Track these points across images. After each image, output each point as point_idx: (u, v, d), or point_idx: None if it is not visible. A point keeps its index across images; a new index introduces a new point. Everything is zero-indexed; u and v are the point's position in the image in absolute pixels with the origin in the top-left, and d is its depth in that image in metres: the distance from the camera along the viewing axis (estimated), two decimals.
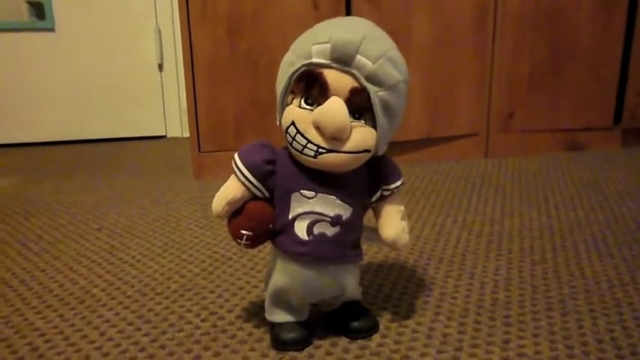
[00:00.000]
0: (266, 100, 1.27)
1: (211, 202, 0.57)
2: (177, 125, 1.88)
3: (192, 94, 1.25)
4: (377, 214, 0.59)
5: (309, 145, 0.52)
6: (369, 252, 0.82)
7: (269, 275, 0.60)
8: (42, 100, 1.76)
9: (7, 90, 1.73)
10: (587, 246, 0.85)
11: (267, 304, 0.60)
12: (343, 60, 0.51)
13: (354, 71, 0.51)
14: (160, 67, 1.82)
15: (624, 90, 1.50)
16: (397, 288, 0.72)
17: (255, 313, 0.66)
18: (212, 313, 0.66)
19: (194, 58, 1.23)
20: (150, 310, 0.68)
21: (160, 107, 1.85)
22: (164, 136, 1.88)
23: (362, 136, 0.52)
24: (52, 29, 1.72)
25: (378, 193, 0.58)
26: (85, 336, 0.62)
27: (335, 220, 0.55)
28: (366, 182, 0.57)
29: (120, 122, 1.83)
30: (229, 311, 0.67)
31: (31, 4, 1.73)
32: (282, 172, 0.55)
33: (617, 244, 0.86)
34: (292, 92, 0.54)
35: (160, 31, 1.79)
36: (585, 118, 1.49)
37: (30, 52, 1.72)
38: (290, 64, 0.54)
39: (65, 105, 1.77)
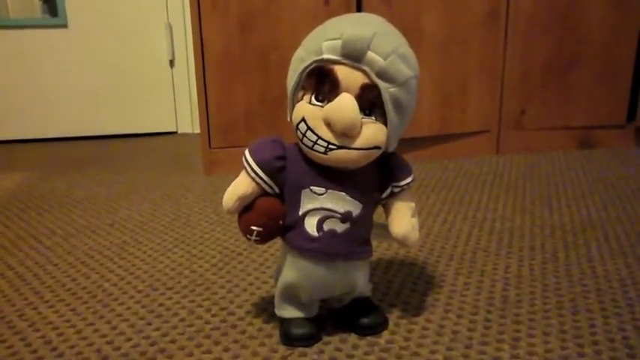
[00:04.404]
0: (277, 96, 1.28)
1: (222, 198, 0.57)
2: (188, 121, 1.88)
3: (202, 90, 1.25)
4: (387, 211, 0.59)
5: (320, 142, 0.52)
6: (379, 248, 0.82)
7: (279, 271, 0.60)
8: (54, 96, 1.77)
9: (20, 86, 1.75)
10: (599, 244, 0.85)
11: (276, 300, 0.61)
12: (354, 56, 0.51)
13: (365, 67, 0.51)
14: (171, 63, 1.83)
15: (638, 87, 1.48)
16: (407, 285, 0.72)
17: (264, 308, 0.66)
18: (222, 309, 0.67)
19: (205, 54, 1.23)
20: (161, 304, 0.68)
21: (171, 103, 1.86)
22: (175, 132, 1.89)
23: (372, 132, 0.52)
24: (64, 26, 1.73)
25: (389, 190, 0.58)
26: (96, 330, 0.63)
27: (345, 217, 0.55)
28: (376, 179, 0.57)
29: (131, 118, 1.84)
30: (239, 306, 0.67)
31: (44, 0, 1.74)
32: (292, 168, 0.55)
33: (629, 242, 0.85)
34: (303, 88, 0.54)
35: (171, 28, 1.79)
36: (598, 115, 1.48)
37: (43, 48, 1.73)
38: (301, 60, 0.54)
39: (77, 101, 1.79)
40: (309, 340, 0.59)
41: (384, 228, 0.59)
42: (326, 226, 0.55)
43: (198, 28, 1.22)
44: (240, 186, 0.56)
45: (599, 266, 0.77)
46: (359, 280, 0.59)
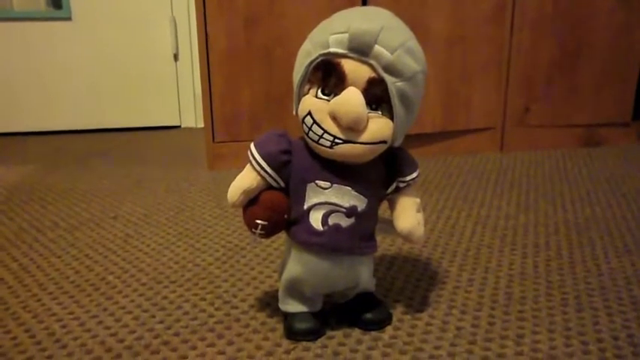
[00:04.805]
0: (281, 90, 1.27)
1: (225, 192, 0.57)
2: (191, 115, 1.88)
3: (207, 84, 1.25)
4: (392, 206, 0.59)
5: (326, 136, 0.52)
6: (383, 244, 0.82)
7: (283, 265, 0.60)
8: (58, 89, 1.77)
9: (23, 79, 1.75)
10: (604, 242, 0.84)
11: (280, 294, 0.61)
12: (361, 50, 0.50)
13: (372, 61, 0.50)
14: (176, 57, 1.83)
15: None
16: (411, 280, 0.72)
17: (268, 302, 0.66)
18: (226, 302, 0.67)
19: (209, 49, 1.23)
20: (164, 297, 0.68)
21: (175, 97, 1.86)
22: (179, 126, 1.89)
23: (378, 126, 0.52)
24: (68, 18, 1.73)
25: (394, 185, 0.57)
26: (100, 322, 0.63)
27: (350, 211, 0.55)
28: (382, 174, 0.57)
29: (135, 112, 1.84)
30: (243, 300, 0.67)
31: None
32: (297, 162, 0.55)
33: (634, 240, 0.85)
34: (309, 82, 0.54)
35: (175, 21, 1.79)
36: (603, 113, 1.47)
37: (47, 41, 1.73)
38: (307, 53, 0.53)
39: (81, 94, 1.79)
40: (312, 335, 0.59)
41: (389, 223, 0.59)
42: (331, 221, 0.55)
43: (202, 23, 1.22)
44: (245, 180, 0.56)
45: (604, 264, 0.77)
46: (363, 274, 0.59)
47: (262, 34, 1.25)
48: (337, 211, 0.55)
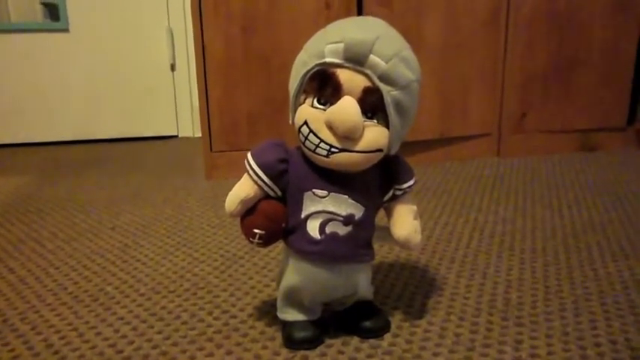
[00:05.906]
0: (278, 99, 1.28)
1: (223, 202, 0.57)
2: (189, 125, 1.89)
3: (204, 93, 1.25)
4: (389, 214, 0.59)
5: (322, 145, 0.52)
6: (381, 252, 0.82)
7: (281, 274, 0.60)
8: (56, 100, 1.77)
9: (21, 90, 1.75)
10: (601, 247, 0.85)
11: (279, 303, 0.61)
12: (356, 59, 0.51)
13: (367, 71, 0.51)
14: (172, 67, 1.83)
15: (638, 89, 1.48)
16: (409, 288, 0.72)
17: (267, 311, 0.66)
18: (224, 312, 0.67)
19: (206, 58, 1.24)
20: (163, 307, 0.68)
21: (172, 107, 1.86)
22: (176, 136, 1.89)
23: (374, 135, 0.52)
24: (66, 30, 1.74)
25: (391, 193, 0.58)
26: (99, 333, 0.63)
27: (347, 220, 0.55)
28: (378, 182, 0.57)
29: (132, 122, 1.84)
30: (241, 310, 0.67)
31: (45, 5, 1.75)
32: (294, 171, 0.56)
33: (631, 244, 0.85)
34: (305, 92, 0.54)
35: (172, 32, 1.80)
36: (599, 118, 1.48)
37: (44, 52, 1.74)
38: (303, 63, 0.54)
39: (79, 105, 1.79)
40: (311, 343, 0.59)
41: (386, 231, 0.59)
42: (328, 229, 0.55)
43: (199, 32, 1.22)
44: (243, 189, 0.56)
45: (601, 268, 0.77)
46: (361, 283, 0.59)
47: (259, 43, 1.25)
48: (334, 220, 0.55)
